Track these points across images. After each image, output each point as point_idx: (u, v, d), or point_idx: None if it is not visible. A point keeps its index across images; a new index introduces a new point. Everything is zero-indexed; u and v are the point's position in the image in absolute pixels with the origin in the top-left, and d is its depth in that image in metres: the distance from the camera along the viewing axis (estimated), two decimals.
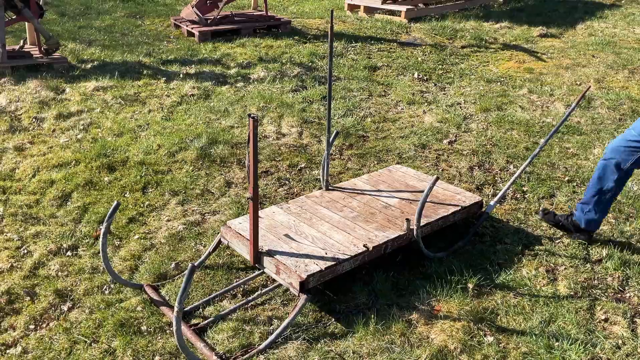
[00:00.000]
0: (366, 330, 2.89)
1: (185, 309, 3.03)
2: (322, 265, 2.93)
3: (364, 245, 3.11)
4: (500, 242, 3.63)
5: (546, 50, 8.04)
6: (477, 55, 7.68)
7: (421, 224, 3.26)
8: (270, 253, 3.02)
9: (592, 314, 3.03)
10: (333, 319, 3.00)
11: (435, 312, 3.03)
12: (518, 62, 7.43)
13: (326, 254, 3.02)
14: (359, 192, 3.70)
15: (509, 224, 3.84)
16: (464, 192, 3.76)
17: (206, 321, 2.95)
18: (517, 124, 5.40)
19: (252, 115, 2.65)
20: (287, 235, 3.18)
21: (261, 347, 2.77)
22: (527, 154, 4.78)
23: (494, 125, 5.41)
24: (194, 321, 2.97)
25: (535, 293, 3.17)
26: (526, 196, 4.19)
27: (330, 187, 3.74)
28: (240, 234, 3.16)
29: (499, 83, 6.60)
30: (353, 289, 3.21)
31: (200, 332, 2.90)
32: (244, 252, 3.13)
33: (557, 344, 2.80)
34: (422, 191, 3.66)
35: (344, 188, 3.75)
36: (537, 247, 3.58)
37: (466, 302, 3.07)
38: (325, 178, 3.72)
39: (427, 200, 3.52)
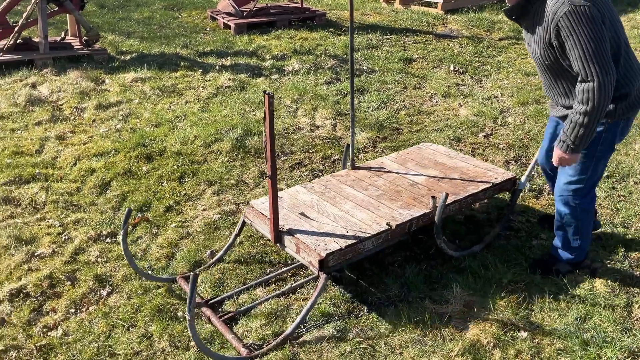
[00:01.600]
0: (398, 322, 2.90)
1: (217, 298, 3.08)
2: (343, 243, 2.88)
3: (387, 224, 3.04)
4: (536, 238, 3.58)
5: None
6: (515, 48, 7.55)
7: (449, 202, 3.19)
8: (291, 232, 2.98)
9: (630, 312, 2.97)
10: (365, 310, 3.01)
11: (469, 306, 3.02)
12: None
13: (347, 232, 2.97)
14: (385, 170, 3.62)
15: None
16: (496, 169, 3.65)
17: (235, 311, 2.99)
18: None
19: (267, 92, 2.61)
20: (308, 214, 3.13)
21: (288, 331, 2.78)
22: None
23: (531, 119, 5.32)
24: (225, 309, 3.02)
25: (571, 290, 3.13)
26: None
27: (356, 166, 3.68)
28: (262, 214, 3.13)
29: (537, 76, 6.48)
30: (385, 281, 3.21)
31: (232, 320, 2.95)
32: (266, 231, 3.10)
33: (592, 341, 2.76)
34: (452, 168, 3.59)
35: (370, 167, 3.67)
36: None
37: (500, 297, 3.05)
38: (351, 157, 3.65)
39: (457, 177, 3.49)
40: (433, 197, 3.18)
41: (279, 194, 3.29)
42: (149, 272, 3.29)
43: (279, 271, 3.29)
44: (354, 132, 3.69)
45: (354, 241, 2.91)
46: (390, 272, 3.29)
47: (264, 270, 3.32)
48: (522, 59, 7.12)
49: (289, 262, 3.37)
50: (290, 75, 6.37)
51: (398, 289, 3.16)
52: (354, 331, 2.87)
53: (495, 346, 2.75)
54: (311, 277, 3.22)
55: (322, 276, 2.82)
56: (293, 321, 2.94)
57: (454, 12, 9.31)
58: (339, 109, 5.45)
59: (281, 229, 3.02)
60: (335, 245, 2.87)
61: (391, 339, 2.82)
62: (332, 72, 6.43)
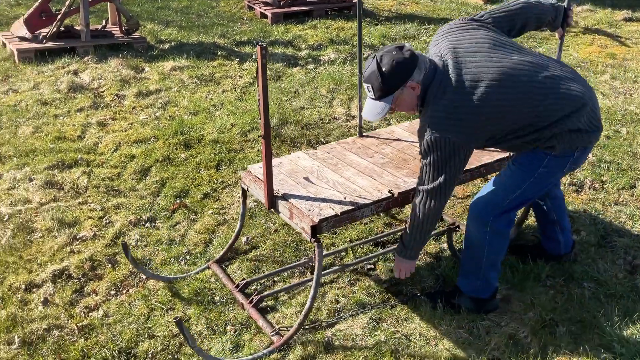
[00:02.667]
0: (433, 314, 2.89)
1: (247, 280, 3.11)
2: (339, 209, 2.72)
3: (389, 191, 2.88)
4: (576, 233, 3.52)
5: (631, 34, 7.63)
6: (556, 40, 7.38)
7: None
8: (286, 197, 2.84)
9: None
10: (399, 301, 3.01)
11: (506, 300, 2.98)
12: (600, 46, 7.10)
13: (345, 198, 2.81)
14: (395, 138, 3.48)
15: (586, 214, 3.71)
16: None
17: (263, 295, 2.99)
18: None
19: (259, 42, 2.48)
20: (307, 180, 3.00)
21: (306, 307, 2.74)
22: (608, 142, 4.58)
23: None
24: (257, 297, 3.04)
25: (612, 286, 3.06)
26: (605, 186, 4.03)
27: (364, 134, 3.55)
28: (259, 178, 2.99)
29: (579, 68, 6.34)
30: (420, 273, 3.20)
31: (265, 306, 2.98)
32: (261, 196, 2.95)
33: (632, 338, 2.71)
34: None
35: (379, 135, 3.53)
36: (615, 239, 3.44)
37: (538, 291, 3.01)
38: (358, 124, 3.55)
39: None
40: None
41: (280, 159, 3.23)
42: (175, 278, 3.34)
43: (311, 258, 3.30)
44: (362, 98, 3.60)
45: (351, 207, 2.75)
46: (425, 263, 3.28)
47: (299, 258, 3.34)
48: (564, 50, 6.97)
49: (325, 250, 3.38)
50: (326, 65, 6.37)
51: (433, 281, 3.15)
52: (388, 321, 2.88)
53: (532, 340, 2.72)
54: (345, 265, 3.22)
55: (316, 244, 2.67)
56: (327, 309, 2.97)
57: (494, 2, 9.15)
58: None
59: (276, 194, 2.87)
60: (330, 211, 2.72)
61: (426, 330, 2.81)
62: None
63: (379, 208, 2.86)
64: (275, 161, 3.14)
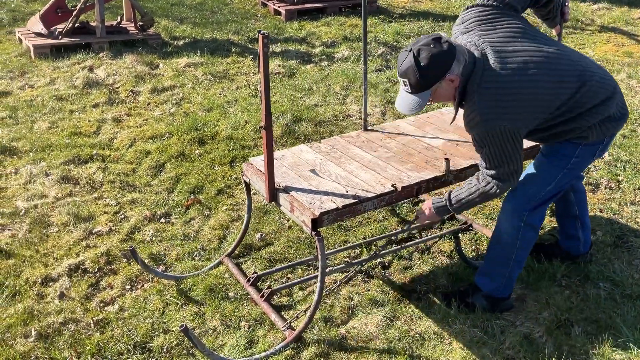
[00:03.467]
0: (448, 313, 2.88)
1: (259, 273, 3.11)
2: (340, 203, 2.69)
3: (392, 185, 2.84)
4: (592, 233, 3.48)
5: None
6: (572, 37, 7.32)
7: (466, 166, 3.01)
8: (287, 190, 2.82)
9: None
10: (414, 299, 3.01)
11: (521, 299, 2.97)
12: (616, 45, 7.03)
13: (347, 192, 2.78)
14: (400, 133, 3.42)
15: (602, 214, 3.69)
16: None
17: (269, 290, 2.98)
18: None
19: (262, 32, 2.40)
20: (309, 173, 2.98)
21: (314, 300, 2.74)
22: (624, 141, 4.54)
23: None
24: (268, 292, 3.05)
25: (628, 286, 3.04)
26: (621, 186, 4.00)
27: (369, 128, 3.50)
28: (260, 170, 2.96)
29: None
30: (434, 272, 3.20)
31: (278, 302, 2.99)
32: (263, 189, 2.93)
33: None
34: None
35: (383, 129, 3.49)
36: (631, 240, 3.42)
37: (553, 291, 3.00)
38: (363, 117, 3.51)
39: None
40: (446, 159, 2.97)
41: (282, 152, 3.22)
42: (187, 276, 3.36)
43: (328, 251, 3.31)
44: (367, 92, 3.57)
45: (353, 201, 2.71)
46: (439, 262, 3.27)
47: (313, 254, 3.34)
48: (580, 48, 6.91)
49: (337, 247, 3.38)
50: (339, 62, 6.36)
51: (447, 280, 3.14)
52: (402, 319, 2.88)
53: (547, 340, 2.71)
54: (357, 260, 3.22)
55: (316, 238, 2.65)
56: (341, 306, 2.97)
57: None
58: (389, 97, 5.41)
59: (277, 187, 2.84)
60: (331, 204, 2.68)
61: (440, 329, 2.81)
62: (382, 59, 6.38)
63: (381, 202, 2.84)
64: (277, 154, 3.14)
